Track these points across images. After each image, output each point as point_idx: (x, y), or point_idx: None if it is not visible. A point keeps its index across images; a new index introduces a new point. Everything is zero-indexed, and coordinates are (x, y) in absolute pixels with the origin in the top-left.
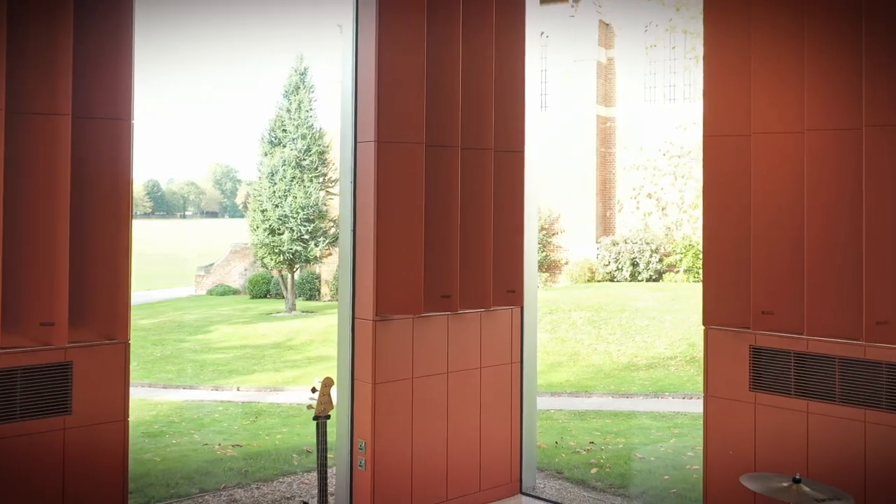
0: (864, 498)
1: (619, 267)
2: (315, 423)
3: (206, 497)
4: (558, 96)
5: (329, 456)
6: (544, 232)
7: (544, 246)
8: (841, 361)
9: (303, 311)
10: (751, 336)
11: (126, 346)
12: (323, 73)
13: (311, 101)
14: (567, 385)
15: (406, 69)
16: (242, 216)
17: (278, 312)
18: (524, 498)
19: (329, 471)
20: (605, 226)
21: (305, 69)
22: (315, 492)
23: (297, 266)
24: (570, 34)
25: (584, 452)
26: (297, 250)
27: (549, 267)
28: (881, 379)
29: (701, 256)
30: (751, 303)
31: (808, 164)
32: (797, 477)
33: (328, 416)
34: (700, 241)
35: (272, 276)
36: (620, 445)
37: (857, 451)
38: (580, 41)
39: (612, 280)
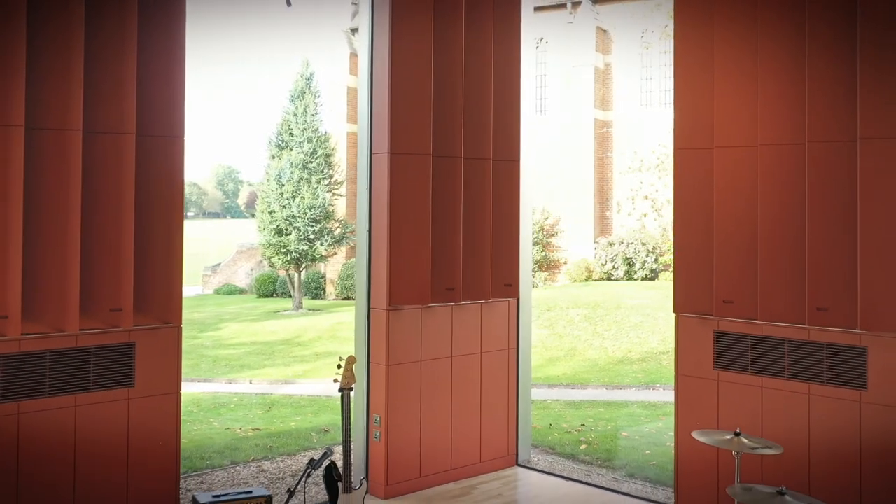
0: (807, 453)
1: (616, 266)
2: (340, 394)
3: (237, 468)
4: (557, 100)
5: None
6: (544, 233)
7: (544, 246)
8: (789, 343)
9: (309, 310)
10: (714, 322)
11: (178, 329)
12: (325, 74)
13: (316, 106)
14: (563, 378)
15: (415, 86)
16: (244, 217)
17: (285, 310)
18: (520, 469)
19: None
20: (603, 226)
21: (311, 74)
22: (336, 457)
23: (303, 265)
24: (569, 40)
25: (575, 433)
26: (303, 250)
27: (548, 266)
28: (822, 357)
29: None
30: (714, 293)
31: (760, 175)
32: (737, 431)
33: (351, 389)
34: None
35: (278, 276)
36: (609, 427)
37: (803, 419)
38: (578, 47)
39: (609, 279)
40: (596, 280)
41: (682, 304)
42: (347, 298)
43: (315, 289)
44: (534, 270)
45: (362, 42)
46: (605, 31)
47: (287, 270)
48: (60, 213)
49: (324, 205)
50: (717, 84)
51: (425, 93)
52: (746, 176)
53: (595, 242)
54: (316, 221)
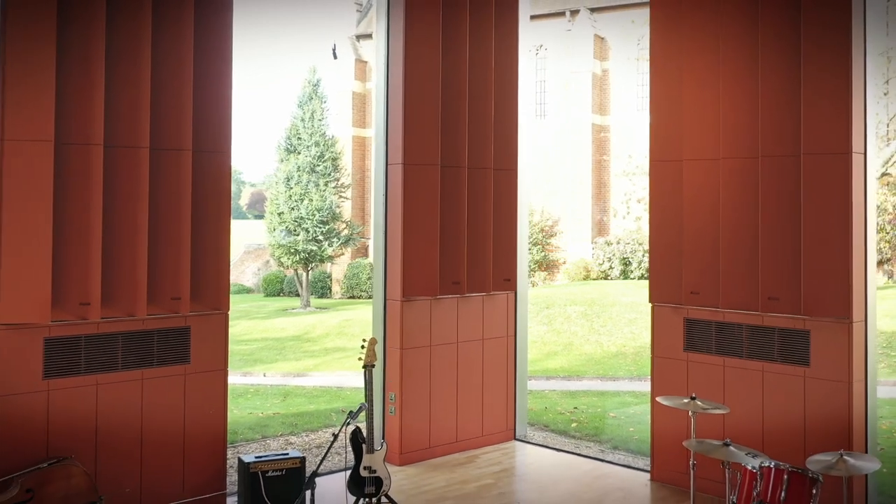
0: (761, 419)
1: (613, 266)
2: (364, 370)
3: (268, 441)
4: (556, 105)
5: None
6: (543, 233)
7: (543, 247)
8: (747, 328)
9: (317, 308)
10: (684, 310)
11: (226, 315)
12: (330, 79)
13: (323, 111)
14: (560, 371)
15: (425, 101)
16: (247, 218)
17: (293, 308)
18: (517, 442)
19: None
20: (601, 227)
21: (318, 80)
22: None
23: (311, 265)
24: (567, 46)
25: (568, 414)
26: (311, 250)
27: (547, 266)
28: (773, 340)
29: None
30: (683, 285)
31: (722, 186)
32: (693, 396)
33: (373, 366)
34: None
35: (285, 275)
36: (599, 410)
37: (758, 391)
38: (576, 53)
39: (606, 278)
40: (594, 279)
41: (657, 295)
42: (353, 297)
43: (321, 288)
44: (534, 270)
45: (378, 58)
46: (602, 38)
47: (295, 270)
48: (132, 217)
49: (331, 207)
50: (686, 103)
51: (434, 107)
52: (710, 186)
53: (593, 243)
54: (324, 223)
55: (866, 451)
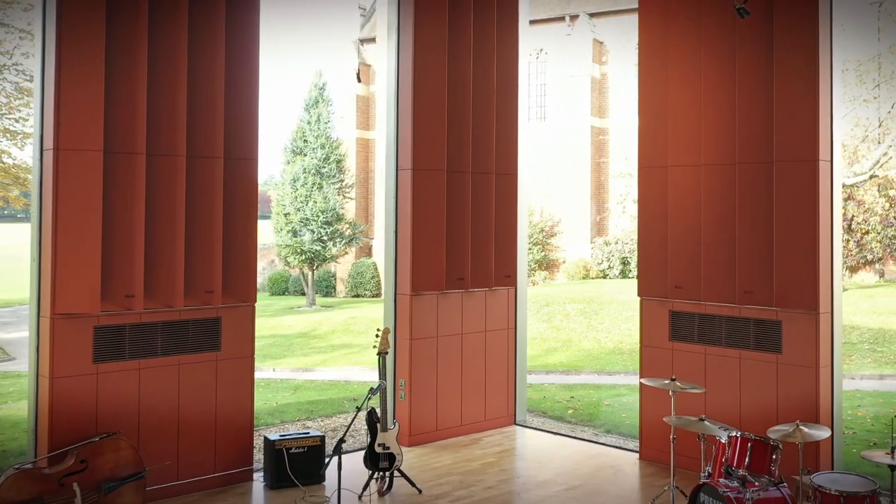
0: (738, 399)
1: (612, 265)
2: (378, 357)
3: (286, 425)
4: (556, 108)
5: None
6: (544, 234)
7: (544, 247)
8: (725, 319)
9: (322, 306)
10: (669, 303)
11: (252, 307)
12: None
13: (329, 115)
14: (560, 366)
15: (432, 110)
16: None
17: (299, 307)
18: (517, 427)
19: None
20: (600, 227)
21: (324, 84)
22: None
23: (316, 264)
24: (567, 50)
25: (565, 402)
26: (317, 250)
27: (548, 265)
28: (749, 329)
29: None
30: (668, 281)
31: (703, 190)
32: (673, 377)
33: (386, 353)
34: None
35: (290, 275)
36: (594, 399)
37: (735, 375)
38: (576, 57)
39: (604, 277)
40: (593, 278)
41: (645, 289)
42: (357, 296)
43: (325, 287)
44: (534, 269)
45: (388, 68)
46: (601, 42)
47: (301, 269)
48: (170, 219)
49: (335, 208)
50: (670, 114)
51: (441, 114)
52: (693, 190)
53: (592, 242)
54: (328, 223)
55: (832, 428)
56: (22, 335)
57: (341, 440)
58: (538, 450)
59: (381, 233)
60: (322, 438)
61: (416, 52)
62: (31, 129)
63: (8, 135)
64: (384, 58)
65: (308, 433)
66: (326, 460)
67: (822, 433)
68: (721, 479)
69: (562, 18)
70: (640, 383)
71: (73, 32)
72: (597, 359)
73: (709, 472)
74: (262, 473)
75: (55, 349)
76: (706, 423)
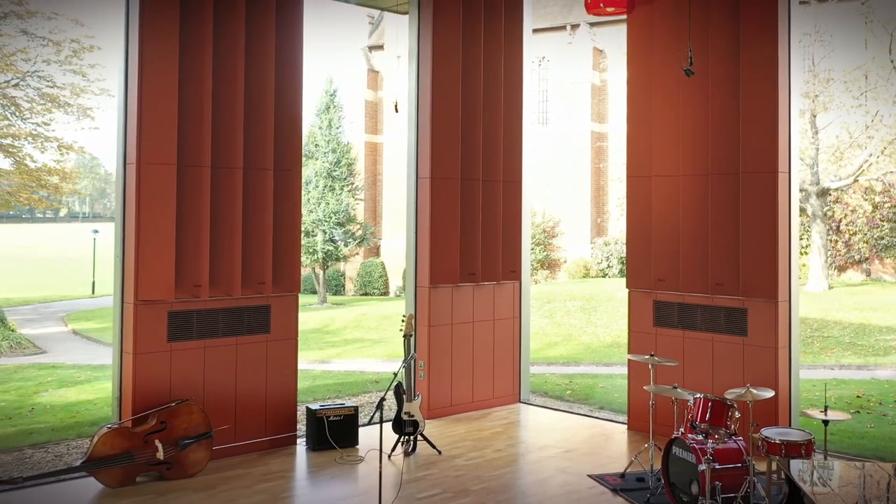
0: (711, 373)
1: (611, 265)
2: (404, 339)
3: (319, 401)
4: (558, 113)
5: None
6: (546, 234)
7: (545, 247)
8: (700, 307)
9: (333, 304)
10: (653, 294)
11: (296, 296)
12: (344, 88)
13: (339, 120)
14: (560, 358)
15: (448, 123)
16: None
17: (311, 304)
18: (521, 404)
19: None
20: (599, 228)
21: (335, 91)
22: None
23: (328, 264)
24: (568, 58)
25: (564, 385)
26: (328, 250)
27: (549, 265)
28: (720, 316)
29: None
30: (652, 275)
31: (681, 196)
32: (652, 353)
33: (411, 335)
34: None
35: (302, 273)
36: (590, 382)
37: (708, 354)
38: (577, 65)
39: (604, 276)
40: (593, 277)
41: (633, 282)
42: (365, 294)
43: (335, 285)
44: (536, 268)
45: (409, 89)
46: (601, 50)
47: (313, 268)
48: (230, 222)
49: (346, 209)
50: (654, 131)
51: (455, 127)
52: (673, 197)
53: (592, 243)
54: (340, 225)
55: (790, 397)
56: (46, 331)
57: (382, 399)
58: (540, 422)
59: (389, 233)
60: (356, 408)
61: (434, 78)
62: (53, 132)
63: (29, 138)
64: (405, 77)
65: (344, 404)
66: (372, 413)
67: (768, 393)
68: (689, 434)
69: (563, 27)
70: (628, 360)
71: (153, 63)
72: (595, 351)
73: (682, 432)
74: (304, 438)
75: (137, 330)
76: (678, 389)
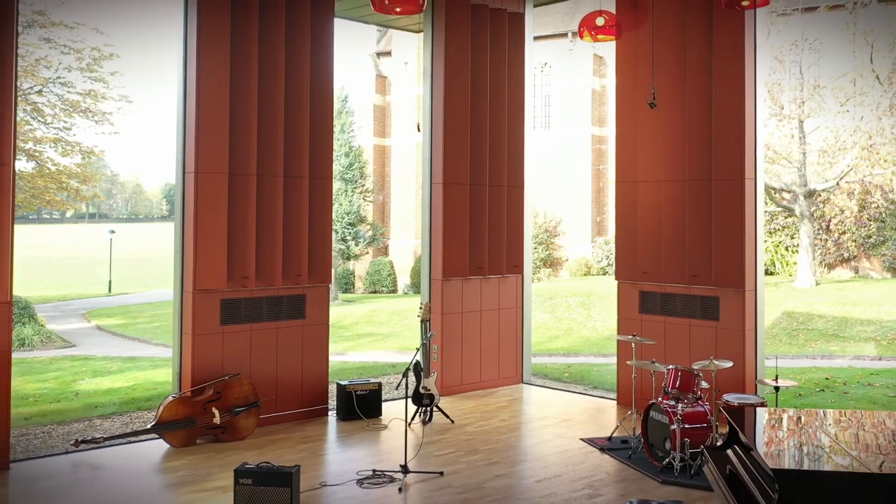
0: (688, 351)
1: (611, 263)
2: (421, 324)
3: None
4: (560, 117)
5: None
6: (548, 234)
7: (548, 245)
8: (679, 296)
9: (344, 301)
10: (639, 285)
11: (328, 287)
12: (354, 93)
13: (351, 124)
14: (561, 350)
15: (458, 131)
16: None
17: None
18: (524, 385)
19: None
20: (600, 228)
21: (346, 96)
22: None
23: (340, 262)
24: (569, 64)
25: (563, 370)
26: (340, 249)
27: (551, 263)
28: (696, 304)
29: None
30: (637, 268)
31: (663, 199)
32: (634, 334)
33: (428, 320)
34: None
35: None
36: (586, 367)
37: (685, 337)
38: (577, 70)
39: (604, 274)
40: (594, 275)
41: (621, 274)
42: (374, 292)
43: (345, 283)
44: (539, 267)
45: (424, 103)
46: (601, 57)
47: None
48: (272, 223)
49: (358, 210)
50: (640, 139)
51: (465, 135)
52: (655, 199)
53: (592, 242)
54: (352, 225)
55: (755, 371)
56: (70, 327)
57: (407, 369)
58: (540, 399)
59: (398, 233)
60: (380, 384)
61: (446, 92)
62: (74, 137)
63: (50, 143)
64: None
65: (369, 381)
66: (399, 380)
67: (727, 364)
68: (664, 401)
69: (564, 34)
70: (617, 341)
71: (209, 81)
72: (594, 344)
73: (659, 399)
74: (334, 410)
75: (195, 314)
76: (656, 364)
